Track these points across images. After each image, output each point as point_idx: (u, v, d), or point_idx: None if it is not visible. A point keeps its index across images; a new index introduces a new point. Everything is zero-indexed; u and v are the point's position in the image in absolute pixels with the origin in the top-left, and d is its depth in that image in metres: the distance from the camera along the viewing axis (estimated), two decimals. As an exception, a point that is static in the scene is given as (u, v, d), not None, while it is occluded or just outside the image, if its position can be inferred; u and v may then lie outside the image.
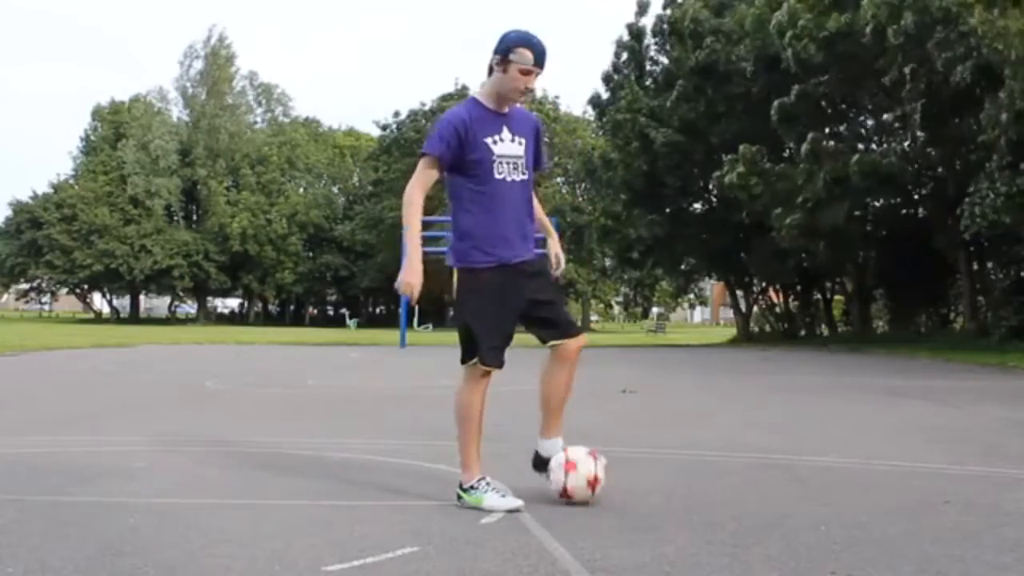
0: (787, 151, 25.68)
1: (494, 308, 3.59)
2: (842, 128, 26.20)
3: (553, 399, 3.74)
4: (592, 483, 3.59)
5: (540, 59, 3.55)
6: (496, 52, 3.55)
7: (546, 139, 4.03)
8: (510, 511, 3.43)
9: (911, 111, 20.50)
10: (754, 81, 24.76)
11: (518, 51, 3.52)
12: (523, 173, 3.65)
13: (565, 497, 3.58)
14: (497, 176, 3.57)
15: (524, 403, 3.96)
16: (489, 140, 3.57)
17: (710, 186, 28.94)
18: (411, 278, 3.52)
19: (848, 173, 21.04)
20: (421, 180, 3.58)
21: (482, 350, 3.57)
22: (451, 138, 3.53)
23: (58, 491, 3.80)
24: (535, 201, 3.80)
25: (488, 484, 3.56)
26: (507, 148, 3.60)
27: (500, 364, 3.63)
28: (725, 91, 26.19)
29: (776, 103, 22.97)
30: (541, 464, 3.76)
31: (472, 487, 3.56)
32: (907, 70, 19.92)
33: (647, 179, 28.33)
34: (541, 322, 3.71)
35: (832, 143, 23.11)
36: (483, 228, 3.57)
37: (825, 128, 24.93)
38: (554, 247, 3.92)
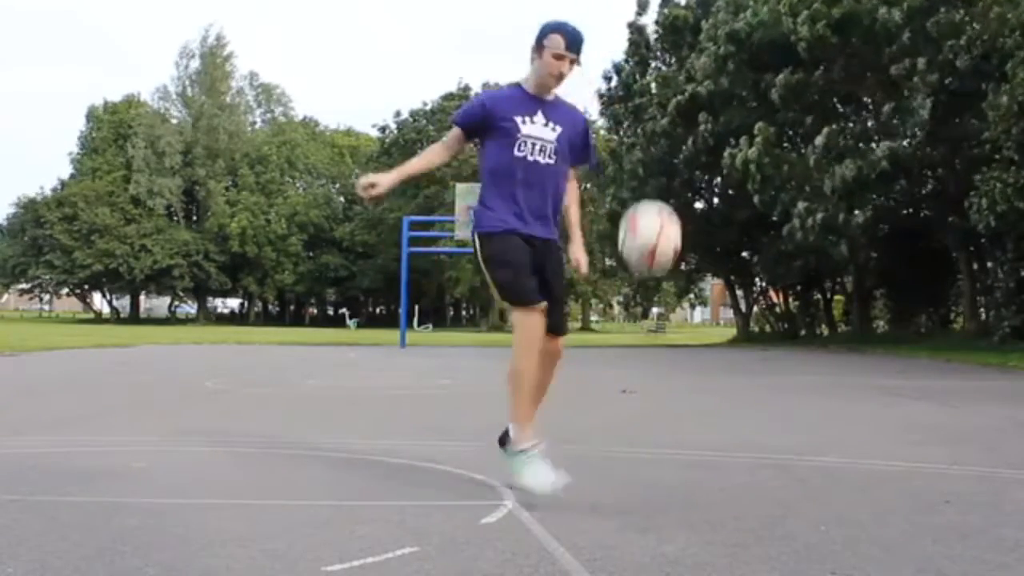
0: (786, 146, 25.54)
1: (514, 260, 3.65)
2: (842, 126, 26.15)
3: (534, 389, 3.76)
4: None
5: (572, 44, 3.72)
6: (534, 42, 3.77)
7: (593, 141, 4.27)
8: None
9: (918, 106, 20.33)
10: (764, 68, 24.63)
11: (551, 37, 3.73)
12: (550, 158, 3.76)
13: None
14: (517, 153, 3.72)
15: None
16: (519, 118, 3.74)
17: (714, 182, 28.81)
18: (376, 178, 3.75)
19: (866, 170, 20.88)
20: (445, 143, 3.86)
21: (518, 292, 3.62)
22: (479, 110, 3.79)
23: (58, 491, 3.79)
24: (570, 195, 3.94)
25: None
26: (537, 130, 3.75)
27: (540, 299, 3.64)
28: (742, 75, 25.99)
29: (768, 77, 22.87)
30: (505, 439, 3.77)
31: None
32: (921, 62, 19.76)
33: (660, 166, 28.09)
34: None
35: (849, 131, 22.92)
36: (499, 200, 3.72)
37: (823, 127, 24.84)
38: (575, 251, 3.95)
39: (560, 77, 3.73)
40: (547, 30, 3.74)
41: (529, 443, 3.62)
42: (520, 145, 3.71)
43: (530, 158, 3.72)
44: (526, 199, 3.71)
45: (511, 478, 3.67)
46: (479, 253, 3.74)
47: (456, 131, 3.81)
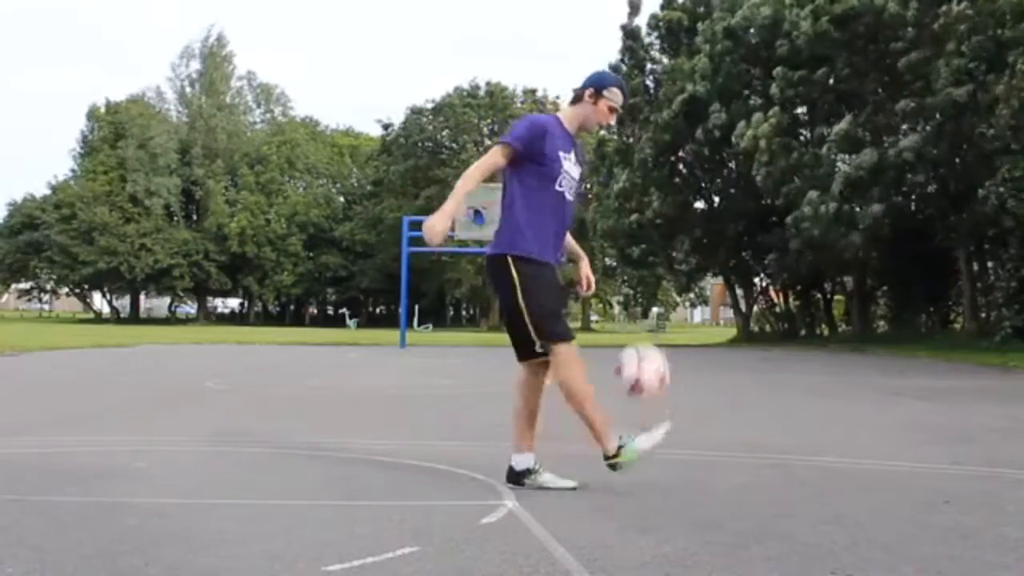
0: (793, 141, 25.55)
1: (552, 292, 3.81)
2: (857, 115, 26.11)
3: (530, 411, 3.89)
4: (663, 378, 3.79)
5: (626, 100, 3.95)
6: (590, 85, 3.89)
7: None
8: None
9: (939, 88, 20.18)
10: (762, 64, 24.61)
11: (613, 91, 3.88)
12: (573, 196, 3.92)
13: (637, 392, 3.78)
14: (557, 188, 3.83)
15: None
16: (562, 154, 3.84)
17: (715, 181, 28.71)
18: (439, 223, 3.64)
19: (892, 158, 20.82)
20: (489, 162, 3.80)
21: (562, 327, 3.79)
22: (534, 137, 3.78)
23: (58, 491, 3.80)
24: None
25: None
26: (571, 168, 3.88)
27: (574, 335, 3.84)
28: (740, 72, 25.94)
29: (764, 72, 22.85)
30: (514, 478, 3.88)
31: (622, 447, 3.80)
32: (950, 45, 19.66)
33: (667, 154, 28.04)
34: None
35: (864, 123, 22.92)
36: (536, 227, 3.79)
37: (826, 126, 24.82)
38: (585, 269, 4.13)
39: (603, 127, 3.87)
40: (608, 82, 3.88)
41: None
42: (561, 181, 3.82)
43: (567, 196, 3.86)
44: (555, 232, 3.84)
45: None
46: (515, 274, 3.74)
47: (507, 151, 3.76)
